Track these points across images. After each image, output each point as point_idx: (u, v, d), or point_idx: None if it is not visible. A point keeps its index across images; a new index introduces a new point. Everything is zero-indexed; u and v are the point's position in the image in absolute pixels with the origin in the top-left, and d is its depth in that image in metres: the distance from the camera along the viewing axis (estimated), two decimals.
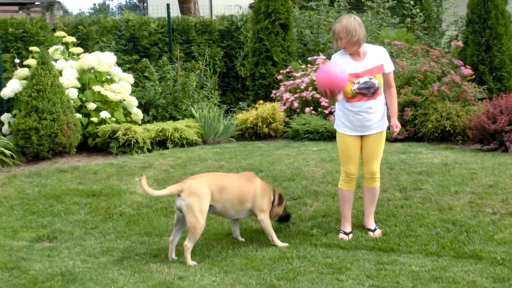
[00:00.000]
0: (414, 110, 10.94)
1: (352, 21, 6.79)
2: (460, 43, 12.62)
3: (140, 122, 11.98)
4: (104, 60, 11.89)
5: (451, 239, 6.86)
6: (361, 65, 6.91)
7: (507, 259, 6.28)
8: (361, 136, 7.08)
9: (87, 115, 11.32)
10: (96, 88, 11.43)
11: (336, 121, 7.20)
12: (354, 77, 6.84)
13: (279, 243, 7.01)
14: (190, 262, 6.53)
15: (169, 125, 11.31)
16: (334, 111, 7.49)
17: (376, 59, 6.97)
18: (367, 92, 6.88)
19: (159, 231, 7.69)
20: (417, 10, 15.28)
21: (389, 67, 7.07)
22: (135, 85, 12.86)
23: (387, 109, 7.20)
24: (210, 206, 6.73)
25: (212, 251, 6.94)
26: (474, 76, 11.50)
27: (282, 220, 7.46)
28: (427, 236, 6.99)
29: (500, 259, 6.30)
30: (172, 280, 6.10)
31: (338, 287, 5.81)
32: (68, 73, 11.35)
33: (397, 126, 7.16)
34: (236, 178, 7.13)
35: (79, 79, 11.50)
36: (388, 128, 7.27)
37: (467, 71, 11.30)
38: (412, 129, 10.90)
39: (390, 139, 10.33)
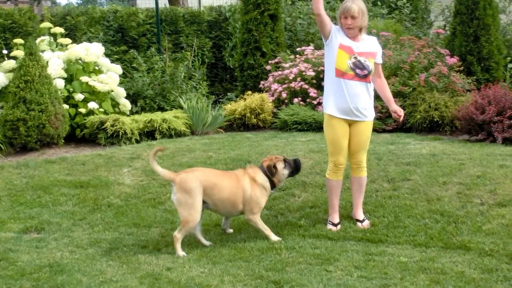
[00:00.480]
0: (402, 100, 10.94)
1: (364, 5, 7.01)
2: (441, 31, 12.63)
3: (128, 113, 11.94)
4: (91, 51, 11.83)
5: (439, 230, 6.88)
6: (358, 46, 6.99)
7: (495, 250, 6.30)
8: (349, 125, 7.07)
9: (74, 106, 11.25)
10: (84, 79, 11.37)
11: (325, 105, 7.14)
12: (351, 52, 6.92)
13: (274, 237, 6.92)
14: (180, 252, 6.53)
15: (157, 116, 11.27)
16: (322, 102, 7.48)
17: (371, 46, 7.10)
18: (361, 72, 6.91)
19: (147, 222, 7.68)
20: (404, 1, 15.27)
21: (380, 58, 7.19)
22: (123, 76, 12.81)
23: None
24: (203, 202, 6.69)
25: None
26: (462, 67, 11.52)
27: (294, 173, 7.24)
28: (415, 227, 7.01)
29: (488, 249, 6.33)
30: (160, 271, 6.10)
31: (326, 278, 5.82)
32: (54, 63, 11.27)
33: (400, 111, 7.21)
34: (229, 179, 6.92)
35: (66, 70, 11.44)
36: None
37: (452, 60, 11.33)
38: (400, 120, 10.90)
39: (378, 130, 10.35)
